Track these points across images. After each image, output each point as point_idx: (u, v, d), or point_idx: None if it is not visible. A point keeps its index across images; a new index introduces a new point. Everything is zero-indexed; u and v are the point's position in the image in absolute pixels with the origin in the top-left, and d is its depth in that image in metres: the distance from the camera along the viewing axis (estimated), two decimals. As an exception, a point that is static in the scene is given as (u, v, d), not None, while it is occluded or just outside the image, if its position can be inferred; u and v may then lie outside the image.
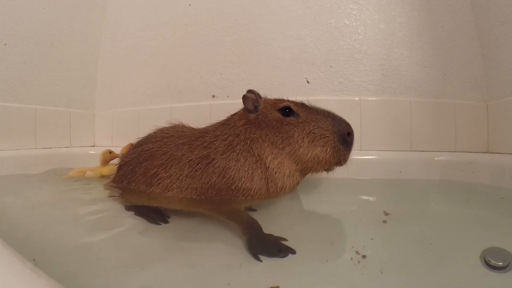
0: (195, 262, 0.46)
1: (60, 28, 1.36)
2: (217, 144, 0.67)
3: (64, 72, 1.40)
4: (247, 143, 0.66)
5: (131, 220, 0.63)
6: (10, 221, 0.59)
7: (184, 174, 0.67)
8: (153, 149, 0.73)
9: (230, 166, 0.64)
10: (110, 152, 1.06)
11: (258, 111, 0.70)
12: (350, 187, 0.90)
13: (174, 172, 0.67)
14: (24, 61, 1.23)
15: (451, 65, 1.12)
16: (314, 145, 0.65)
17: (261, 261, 0.43)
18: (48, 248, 0.48)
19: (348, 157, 0.68)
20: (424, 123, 1.09)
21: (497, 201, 0.74)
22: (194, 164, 0.67)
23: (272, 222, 0.62)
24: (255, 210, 0.68)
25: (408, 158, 1.02)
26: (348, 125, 0.68)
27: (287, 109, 0.68)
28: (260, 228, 0.52)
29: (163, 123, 0.82)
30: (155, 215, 0.63)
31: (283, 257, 0.44)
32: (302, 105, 0.70)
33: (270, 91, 0.76)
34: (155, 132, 0.79)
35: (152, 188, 0.69)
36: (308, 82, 1.17)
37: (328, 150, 0.65)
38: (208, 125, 0.76)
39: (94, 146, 1.51)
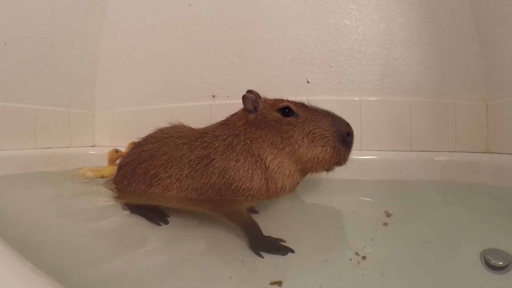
0: (197, 259, 0.46)
1: (60, 28, 1.36)
2: (217, 144, 0.67)
3: (64, 72, 1.40)
4: (246, 143, 0.66)
5: (132, 220, 0.63)
6: (10, 221, 0.59)
7: (184, 174, 0.67)
8: (153, 150, 0.73)
9: (230, 166, 0.64)
10: (117, 151, 1.07)
11: (257, 111, 0.70)
12: (350, 187, 0.90)
13: (174, 172, 0.67)
14: (24, 61, 1.23)
15: (451, 65, 1.12)
16: (314, 145, 0.65)
17: (263, 257, 0.44)
18: (47, 247, 0.48)
19: (348, 157, 0.68)
20: (424, 123, 1.09)
21: (497, 201, 0.74)
22: (194, 164, 0.67)
23: (272, 222, 0.62)
24: (257, 212, 0.68)
25: (408, 158, 1.02)
26: (348, 125, 0.68)
27: (286, 109, 0.68)
28: (259, 229, 0.52)
29: (163, 123, 0.82)
30: (155, 215, 0.63)
31: (282, 254, 0.45)
32: (301, 105, 0.70)
33: (270, 91, 0.76)
34: (155, 133, 0.79)
35: (153, 188, 0.69)
36: (308, 82, 1.17)
37: (328, 150, 0.65)
38: (208, 125, 0.76)
39: (94, 146, 1.51)
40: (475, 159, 0.94)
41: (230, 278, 0.39)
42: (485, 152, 1.06)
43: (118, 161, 0.92)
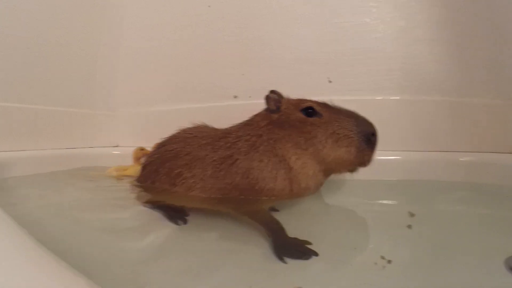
0: (217, 262, 0.46)
1: (79, 31, 1.40)
2: (240, 145, 0.68)
3: (86, 74, 1.44)
4: (270, 143, 0.66)
5: (150, 219, 0.64)
6: (38, 221, 0.61)
7: (207, 174, 0.67)
8: (177, 149, 0.74)
9: (254, 167, 0.65)
10: (142, 149, 1.09)
11: (280, 112, 0.70)
12: (373, 188, 0.89)
13: (197, 172, 0.68)
14: (45, 63, 1.26)
15: (473, 62, 1.08)
16: (337, 146, 0.64)
17: (286, 263, 0.43)
18: (75, 248, 0.49)
19: (372, 157, 0.67)
20: (447, 123, 1.06)
21: (524, 204, 0.72)
22: (217, 164, 0.67)
23: (294, 223, 0.62)
24: (277, 210, 0.69)
25: (431, 159, 1.00)
26: (371, 125, 0.67)
27: (309, 109, 0.68)
28: (283, 229, 0.52)
29: (185, 123, 0.83)
30: (175, 214, 0.64)
31: (306, 259, 0.44)
32: (324, 105, 0.70)
33: (291, 91, 0.76)
34: (178, 133, 0.81)
35: (176, 187, 0.70)
36: (329, 81, 1.16)
37: (352, 150, 0.65)
38: (230, 125, 0.76)
39: (117, 146, 1.55)
40: (500, 159, 0.92)
41: (250, 286, 0.38)
42: (510, 153, 1.03)
43: (143, 160, 0.94)
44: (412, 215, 0.61)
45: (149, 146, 0.97)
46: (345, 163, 0.66)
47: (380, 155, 0.72)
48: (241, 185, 0.65)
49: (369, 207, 0.75)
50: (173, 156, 0.73)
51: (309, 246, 0.47)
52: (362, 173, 0.70)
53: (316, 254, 0.45)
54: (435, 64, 1.10)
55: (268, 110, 0.72)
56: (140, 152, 1.09)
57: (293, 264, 0.43)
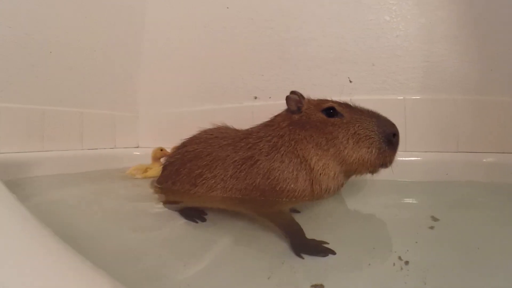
0: (236, 258, 0.47)
1: (102, 35, 1.44)
2: (261, 145, 0.68)
3: (107, 77, 1.48)
4: (291, 144, 0.66)
5: (174, 219, 0.65)
6: (62, 220, 0.62)
7: (228, 175, 0.68)
8: (198, 150, 0.75)
9: (275, 167, 0.65)
10: (161, 149, 1.10)
11: (301, 112, 0.70)
12: (394, 189, 0.88)
13: (218, 173, 0.69)
14: (70, 67, 1.31)
15: (497, 59, 1.04)
16: (359, 146, 0.64)
17: (303, 258, 0.44)
18: (96, 246, 0.50)
19: (393, 158, 0.66)
20: (471, 122, 1.03)
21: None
22: (238, 165, 0.68)
23: (314, 224, 0.62)
24: (298, 212, 0.68)
25: (454, 160, 0.97)
26: (393, 125, 0.67)
27: (331, 110, 0.68)
28: (302, 231, 0.52)
29: (205, 124, 0.84)
30: (193, 212, 0.65)
31: (323, 256, 0.44)
32: (346, 105, 0.69)
33: (312, 92, 0.76)
34: (199, 133, 0.81)
35: (197, 188, 0.71)
36: (350, 81, 1.15)
37: (374, 151, 0.64)
38: (251, 126, 0.77)
39: (138, 147, 1.58)
40: (526, 160, 0.89)
41: (268, 278, 0.39)
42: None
43: (162, 160, 0.95)
44: (433, 216, 0.60)
45: (169, 147, 0.99)
46: (366, 164, 0.65)
47: (401, 156, 0.71)
48: (262, 185, 0.65)
49: (390, 209, 0.73)
50: (194, 157, 0.74)
51: (328, 246, 0.47)
52: (383, 174, 0.69)
53: (333, 252, 0.45)
54: (457, 61, 1.07)
55: (289, 111, 0.72)
56: (160, 152, 1.10)
57: (311, 261, 0.43)
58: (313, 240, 0.49)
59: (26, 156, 1.08)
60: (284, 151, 0.66)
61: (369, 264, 0.43)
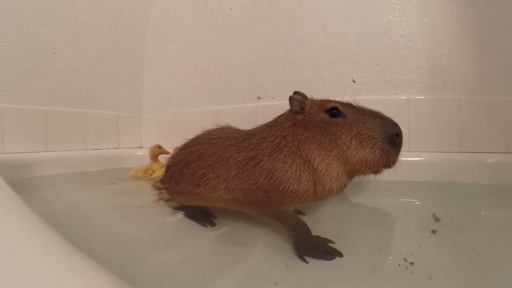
0: (241, 262, 0.46)
1: (106, 36, 1.45)
2: (264, 146, 0.68)
3: (111, 77, 1.49)
4: (294, 144, 0.66)
5: (177, 221, 0.64)
6: (66, 219, 0.63)
7: (231, 175, 0.68)
8: (201, 151, 0.75)
9: (278, 168, 0.65)
10: (159, 146, 1.10)
11: (304, 112, 0.70)
12: (398, 189, 0.87)
13: (222, 173, 0.69)
14: (73, 68, 1.32)
15: (501, 59, 1.04)
16: (362, 147, 0.64)
17: (307, 262, 0.42)
18: (102, 245, 0.50)
19: (397, 159, 0.66)
20: (475, 123, 1.03)
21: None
22: (241, 165, 0.68)
23: (318, 225, 0.61)
24: (303, 214, 0.68)
25: (458, 160, 0.96)
26: (396, 125, 0.66)
27: (334, 110, 0.67)
28: (308, 230, 0.51)
29: (208, 125, 0.84)
30: (202, 216, 0.63)
31: (330, 259, 0.43)
32: (349, 105, 0.69)
33: (315, 92, 0.76)
34: (202, 134, 0.82)
35: (200, 188, 0.71)
36: (354, 81, 1.15)
37: (377, 152, 0.64)
38: (254, 126, 0.77)
39: (141, 147, 1.59)
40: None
41: (275, 284, 0.38)
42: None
43: (162, 157, 0.94)
44: (436, 217, 0.60)
45: (171, 147, 0.99)
46: (369, 164, 0.65)
47: (405, 156, 0.70)
48: (265, 186, 0.65)
49: (394, 209, 0.73)
50: (198, 157, 0.74)
51: (333, 246, 0.46)
52: (386, 175, 0.69)
53: (341, 255, 0.44)
54: (460, 61, 1.06)
55: (292, 111, 0.72)
56: (158, 149, 1.10)
57: (316, 264, 0.43)
58: (319, 238, 0.49)
59: (30, 156, 1.09)
60: (287, 152, 0.66)
61: (375, 265, 0.42)
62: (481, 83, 1.05)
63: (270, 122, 0.75)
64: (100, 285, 0.24)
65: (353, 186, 0.78)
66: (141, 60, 1.63)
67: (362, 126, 0.65)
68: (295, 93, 0.72)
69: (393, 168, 0.67)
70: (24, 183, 0.93)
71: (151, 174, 1.07)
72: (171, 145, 1.03)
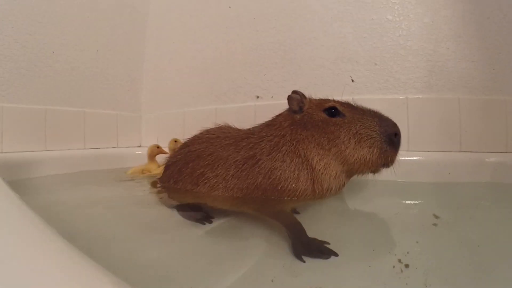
0: (238, 260, 0.47)
1: (105, 35, 1.45)
2: (263, 145, 0.68)
3: (111, 76, 1.49)
4: (293, 144, 0.67)
5: (177, 219, 0.64)
6: (65, 218, 0.63)
7: (230, 174, 0.68)
8: (200, 150, 0.75)
9: (276, 167, 0.65)
10: (158, 146, 1.10)
11: (303, 112, 0.70)
12: (396, 189, 0.87)
13: (220, 172, 0.69)
14: (72, 67, 1.32)
15: (500, 59, 1.04)
16: (360, 146, 0.64)
17: (304, 262, 0.43)
18: (102, 244, 0.50)
19: (395, 158, 0.66)
20: (474, 122, 1.03)
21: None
22: (240, 164, 0.68)
23: (315, 224, 0.61)
24: (298, 213, 0.68)
25: (457, 160, 0.97)
26: (395, 125, 0.66)
27: (332, 109, 0.68)
28: (303, 230, 0.51)
29: (208, 124, 0.84)
30: (200, 214, 0.64)
31: (325, 258, 0.43)
32: (347, 105, 0.69)
33: (314, 91, 0.76)
34: (201, 133, 0.82)
35: (199, 187, 0.71)
36: (353, 81, 1.15)
37: (375, 151, 0.64)
38: (253, 126, 0.77)
39: (140, 146, 1.59)
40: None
41: (272, 281, 0.39)
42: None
43: (159, 157, 0.94)
44: (435, 216, 0.60)
45: (166, 145, 0.98)
46: (368, 163, 0.65)
47: (404, 156, 0.70)
48: (264, 185, 0.65)
49: (392, 209, 0.73)
50: (196, 157, 0.74)
51: (329, 247, 0.47)
52: (385, 174, 0.69)
53: (336, 254, 0.44)
54: (460, 61, 1.06)
55: (290, 111, 0.72)
56: (156, 149, 1.10)
57: (312, 264, 0.43)
58: (315, 239, 0.49)
59: (29, 156, 1.09)
60: (286, 151, 0.66)
61: (369, 266, 0.43)
62: (480, 83, 1.05)
63: (268, 121, 0.75)
64: (100, 285, 0.24)
65: (351, 186, 0.78)
66: (140, 59, 1.63)
67: (360, 126, 0.65)
68: (294, 92, 0.72)
69: (391, 167, 0.67)
70: (23, 182, 0.93)
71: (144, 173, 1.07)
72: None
